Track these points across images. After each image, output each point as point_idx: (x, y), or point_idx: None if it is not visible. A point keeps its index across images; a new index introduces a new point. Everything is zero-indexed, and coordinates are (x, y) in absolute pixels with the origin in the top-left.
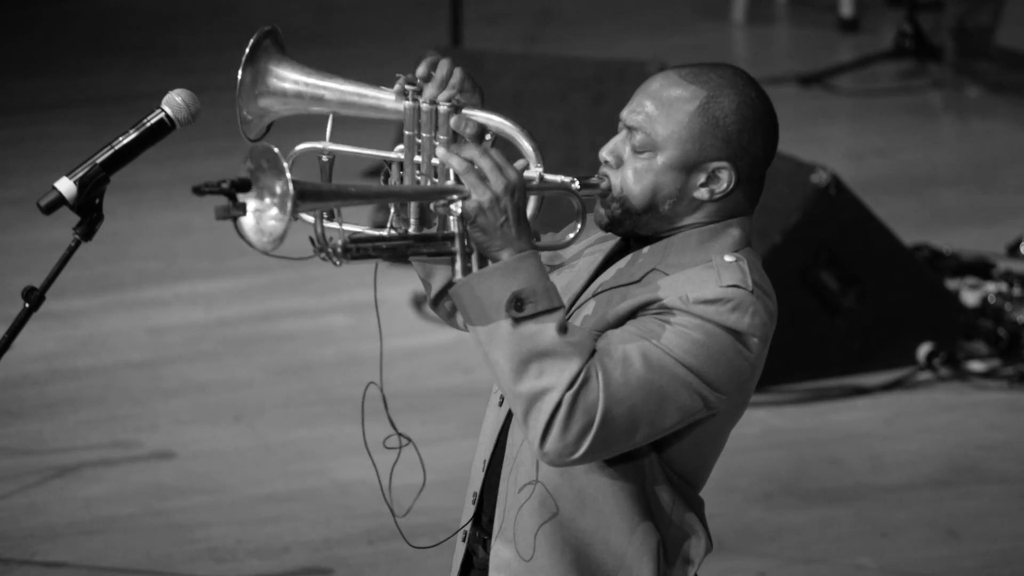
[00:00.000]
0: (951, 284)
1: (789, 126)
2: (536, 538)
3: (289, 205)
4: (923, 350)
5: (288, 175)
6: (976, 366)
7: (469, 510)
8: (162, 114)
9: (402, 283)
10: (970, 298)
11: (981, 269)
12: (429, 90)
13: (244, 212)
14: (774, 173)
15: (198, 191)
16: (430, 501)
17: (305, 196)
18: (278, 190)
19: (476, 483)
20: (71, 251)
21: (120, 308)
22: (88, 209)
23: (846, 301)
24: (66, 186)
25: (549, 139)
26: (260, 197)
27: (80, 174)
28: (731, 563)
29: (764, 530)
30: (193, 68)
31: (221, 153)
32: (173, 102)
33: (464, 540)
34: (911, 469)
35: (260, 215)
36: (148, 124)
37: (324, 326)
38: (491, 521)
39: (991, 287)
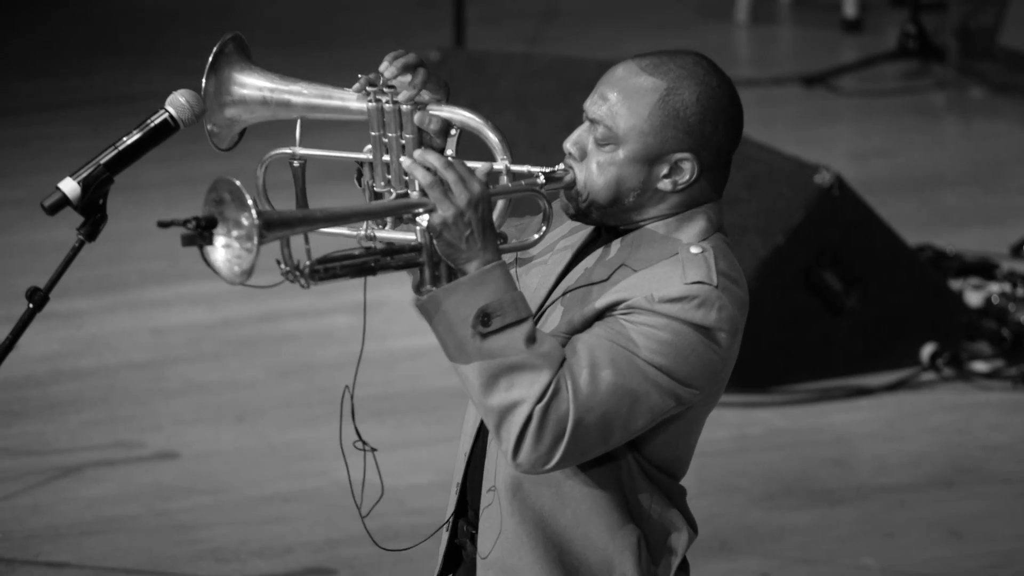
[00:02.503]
0: (954, 284)
1: (792, 126)
2: (499, 538)
3: (255, 236)
4: (926, 350)
5: (251, 207)
6: (979, 367)
7: (452, 500)
8: (166, 114)
9: (405, 284)
10: (973, 298)
11: (984, 269)
12: (389, 70)
13: (211, 241)
14: (777, 173)
15: (163, 225)
16: (434, 501)
17: (271, 226)
18: (244, 222)
19: (458, 475)
20: (75, 251)
21: (123, 308)
22: (92, 209)
23: (849, 301)
24: (70, 186)
25: (551, 139)
26: (227, 230)
27: (84, 174)
28: (734, 563)
29: (767, 530)
30: (196, 68)
31: (225, 153)
32: (176, 102)
33: (448, 530)
34: (914, 469)
35: (228, 246)
36: (152, 124)
37: (326, 327)
38: (477, 515)
39: (994, 287)
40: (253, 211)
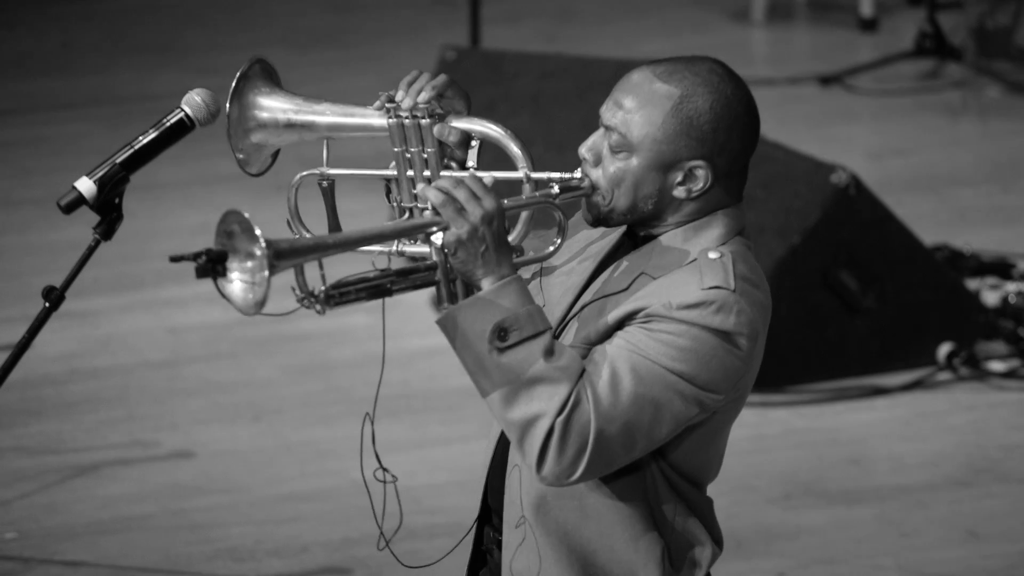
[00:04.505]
0: (971, 284)
1: (808, 126)
2: (540, 570)
3: (266, 267)
4: (943, 350)
5: (260, 238)
6: (996, 366)
7: (478, 506)
8: (182, 113)
9: None
10: (990, 298)
11: (1001, 269)
12: (406, 101)
13: (225, 273)
14: (793, 173)
15: (175, 260)
16: (450, 501)
17: (281, 255)
18: (255, 252)
19: (483, 485)
20: (91, 250)
21: (140, 308)
22: (108, 208)
23: (866, 301)
24: (86, 185)
25: (568, 139)
26: (239, 261)
27: (100, 174)
28: (750, 563)
29: (783, 530)
30: (212, 67)
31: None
32: (192, 101)
33: (478, 540)
34: (931, 469)
35: (241, 277)
36: (168, 124)
37: (342, 326)
38: (502, 521)
39: (1011, 287)
40: (263, 242)
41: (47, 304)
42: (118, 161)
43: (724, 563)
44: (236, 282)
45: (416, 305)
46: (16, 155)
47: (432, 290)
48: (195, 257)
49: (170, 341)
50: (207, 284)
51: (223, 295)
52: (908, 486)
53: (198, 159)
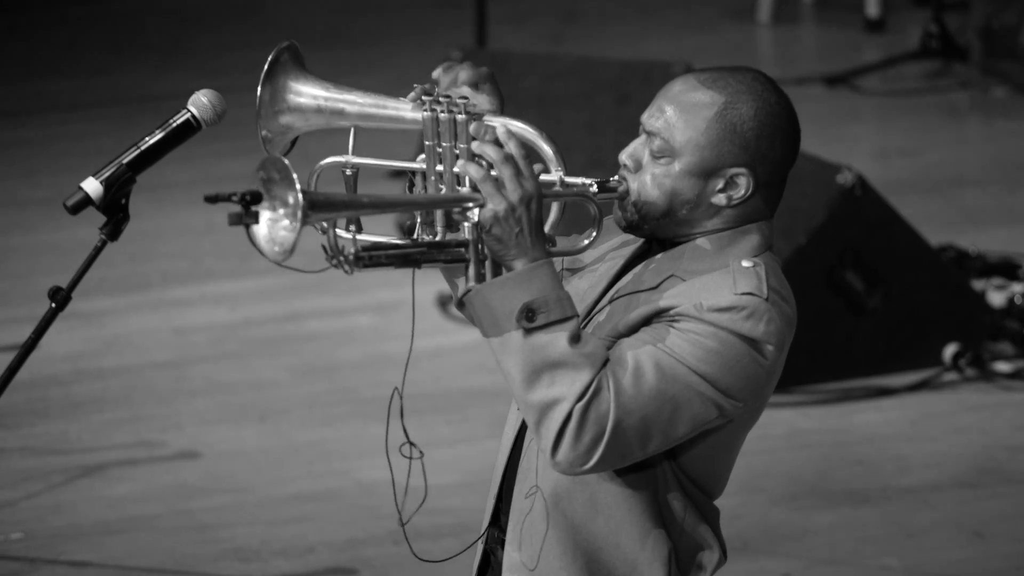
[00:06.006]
0: (977, 285)
1: (815, 126)
2: (543, 546)
3: (299, 216)
4: (949, 351)
5: (298, 186)
6: (1002, 367)
7: (488, 512)
8: (188, 114)
9: (427, 283)
10: (996, 299)
11: (1007, 270)
12: (444, 79)
13: (257, 220)
14: (799, 173)
15: (210, 200)
16: (455, 501)
17: (316, 206)
18: (289, 200)
19: (495, 486)
20: (97, 251)
21: (146, 308)
22: (114, 209)
23: (871, 302)
24: (92, 186)
25: (574, 140)
26: (272, 207)
27: (106, 174)
28: (756, 564)
29: (789, 531)
30: (218, 68)
31: (247, 153)
32: (199, 102)
33: (484, 541)
34: (937, 470)
35: (272, 225)
36: (174, 124)
37: (349, 326)
38: (508, 520)
39: (1017, 288)
40: (299, 191)
41: (53, 304)
42: (124, 162)
43: (730, 563)
44: (264, 228)
45: (421, 306)
46: (22, 156)
47: (436, 291)
48: (230, 197)
49: (176, 341)
50: (212, 284)
51: (252, 243)
52: (914, 487)
53: (205, 160)
